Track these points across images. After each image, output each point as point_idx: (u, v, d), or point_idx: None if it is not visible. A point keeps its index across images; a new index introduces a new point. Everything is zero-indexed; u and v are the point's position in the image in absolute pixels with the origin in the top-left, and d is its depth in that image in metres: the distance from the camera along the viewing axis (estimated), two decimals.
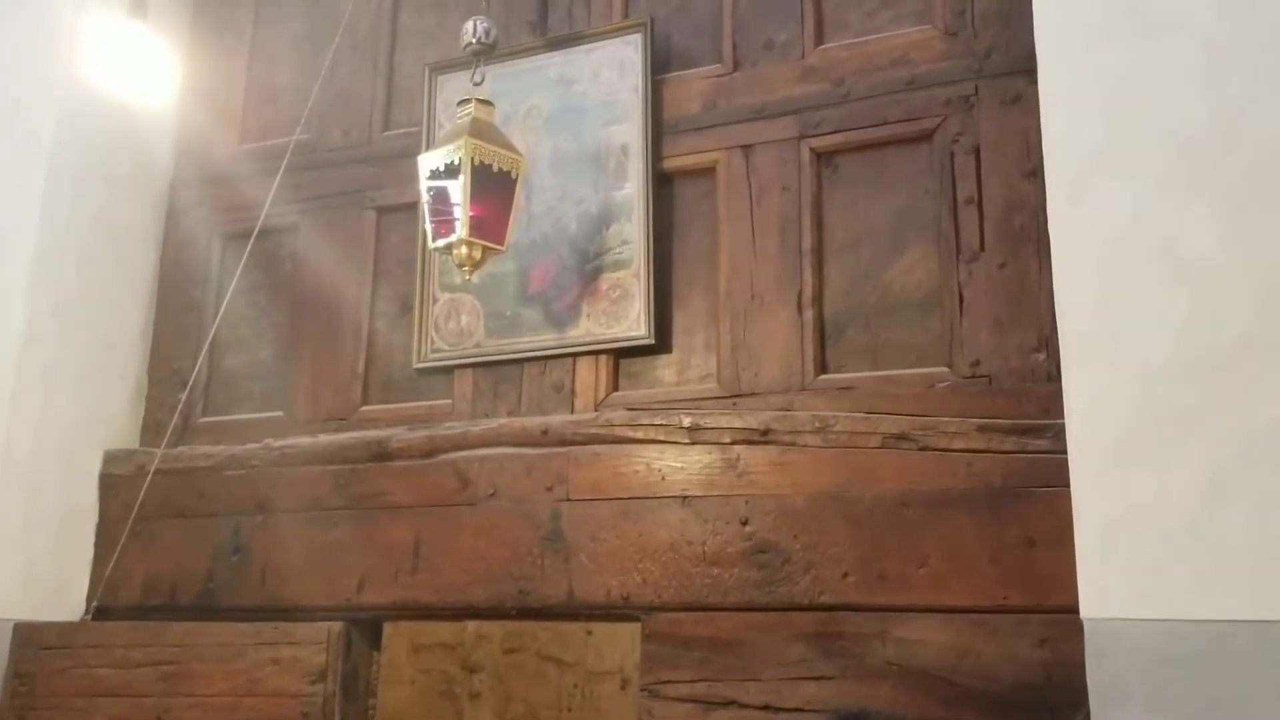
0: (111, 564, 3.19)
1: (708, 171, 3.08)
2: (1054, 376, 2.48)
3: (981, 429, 2.54)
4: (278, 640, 2.92)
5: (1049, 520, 2.39)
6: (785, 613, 2.64)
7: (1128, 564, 2.06)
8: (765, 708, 2.58)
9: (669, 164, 3.10)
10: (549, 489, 2.94)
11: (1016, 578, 2.43)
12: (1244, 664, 1.86)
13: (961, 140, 2.80)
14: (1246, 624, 1.89)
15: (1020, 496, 2.47)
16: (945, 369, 2.70)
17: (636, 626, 2.86)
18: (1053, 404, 2.41)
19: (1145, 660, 1.96)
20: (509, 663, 7.89)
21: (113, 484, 3.34)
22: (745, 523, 2.74)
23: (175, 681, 2.88)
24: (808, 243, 2.91)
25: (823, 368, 2.85)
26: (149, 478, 3.22)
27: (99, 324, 3.43)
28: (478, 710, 8.12)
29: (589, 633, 7.61)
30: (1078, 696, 2.22)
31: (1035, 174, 2.62)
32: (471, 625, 8.05)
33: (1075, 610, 2.21)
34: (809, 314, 2.86)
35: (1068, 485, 2.25)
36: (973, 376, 2.66)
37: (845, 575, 2.61)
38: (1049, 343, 2.54)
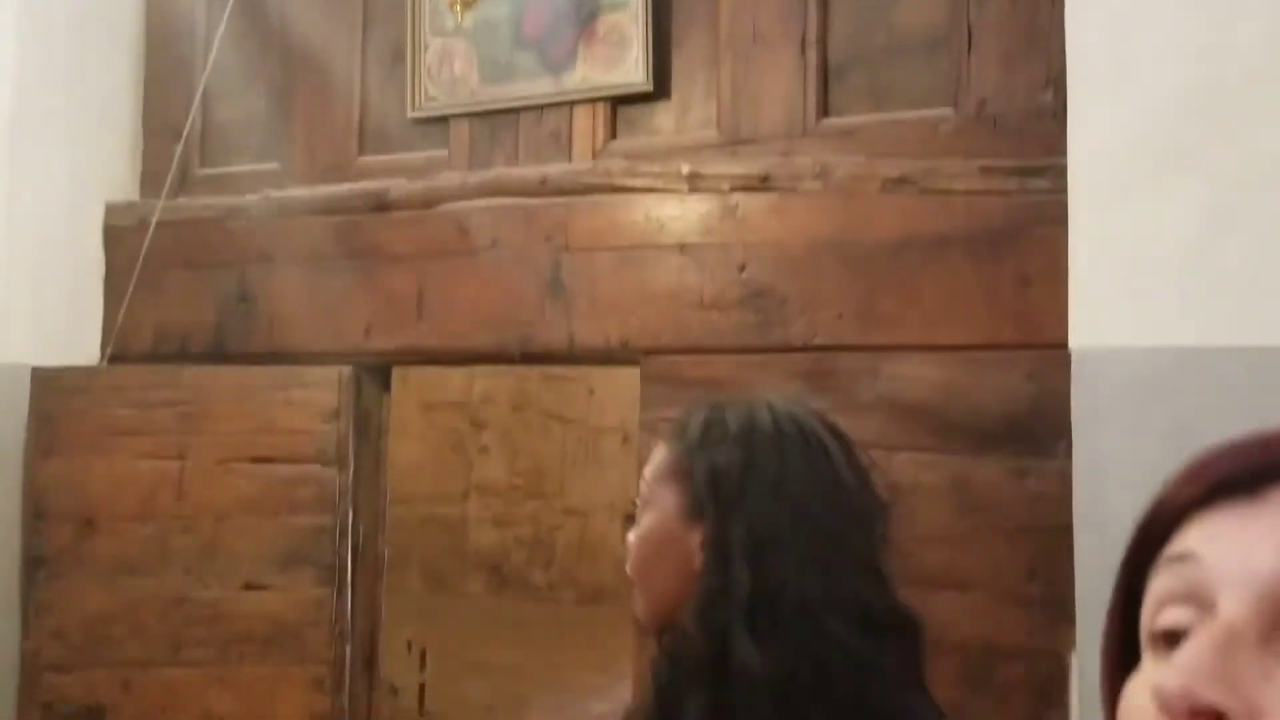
0: (121, 314, 3.25)
1: None
2: (1060, 115, 2.44)
3: (983, 170, 2.53)
4: (289, 383, 3.01)
5: (1045, 259, 2.41)
6: (780, 354, 2.70)
7: (1119, 292, 2.09)
8: None
9: None
10: (548, 238, 2.95)
11: (1009, 316, 2.47)
12: (1223, 388, 1.92)
13: None
14: (1231, 350, 1.94)
15: (1018, 237, 2.48)
16: (950, 110, 2.66)
17: (637, 384, 2.91)
18: (1056, 144, 2.38)
19: (1128, 387, 2.02)
20: (515, 420, 8.20)
21: (116, 236, 3.36)
22: (742, 269, 2.77)
23: (193, 421, 3.00)
24: None
25: (825, 111, 2.80)
26: (151, 229, 3.23)
27: (90, 82, 3.39)
28: (486, 463, 8.48)
29: (591, 392, 7.85)
30: (1061, 428, 2.32)
31: None
32: (478, 385, 8.30)
33: (1065, 346, 2.27)
34: (812, 55, 2.79)
35: (1066, 225, 2.26)
36: (978, 117, 2.62)
37: (840, 317, 2.66)
38: (1057, 81, 2.48)
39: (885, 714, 0.95)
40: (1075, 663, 2.28)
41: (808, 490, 1.02)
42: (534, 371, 7.80)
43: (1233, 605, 0.40)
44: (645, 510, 1.06)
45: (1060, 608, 2.32)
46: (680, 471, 1.05)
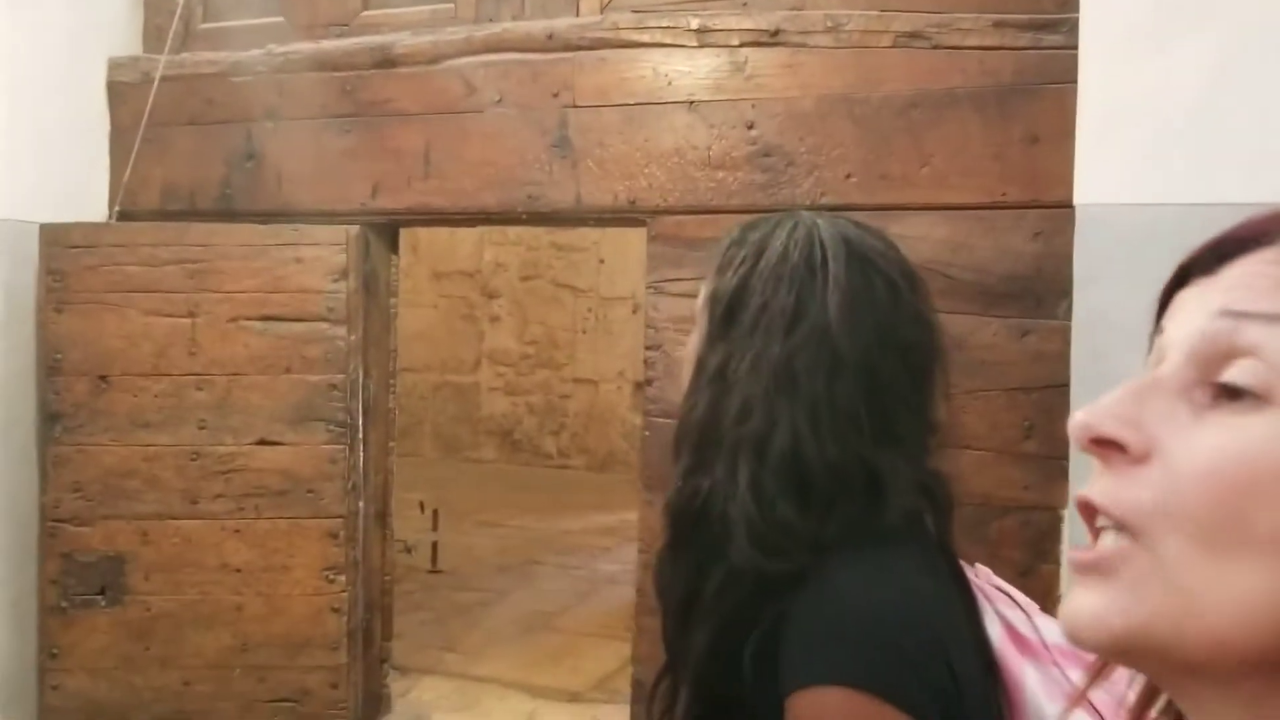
0: (128, 171, 3.24)
1: None
2: None
3: (996, 25, 2.47)
4: (298, 241, 3.01)
5: (1055, 117, 2.38)
6: None
7: (1126, 151, 2.07)
8: None
9: None
10: (555, 95, 2.91)
11: (1017, 174, 2.45)
12: None
13: None
14: (1235, 206, 1.91)
15: (1028, 94, 2.44)
16: None
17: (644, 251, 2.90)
18: None
19: (1130, 244, 2.02)
20: (526, 289, 8.23)
21: (120, 91, 3.33)
22: (751, 126, 2.74)
23: (203, 279, 3.01)
24: None
25: None
26: (155, 84, 3.19)
27: None
28: (497, 332, 8.55)
29: (602, 261, 7.84)
30: (1064, 287, 2.32)
31: None
32: (489, 254, 8.27)
33: (1071, 205, 2.26)
34: None
35: (1076, 82, 2.22)
36: None
37: (848, 176, 2.65)
38: None
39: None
40: (1068, 517, 2.33)
41: (786, 327, 0.91)
42: (544, 241, 7.79)
43: (1169, 362, 0.43)
44: (692, 330, 1.03)
45: (1056, 464, 2.37)
46: (705, 295, 1.01)
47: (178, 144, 3.25)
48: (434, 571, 5.24)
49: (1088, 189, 2.13)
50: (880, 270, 0.95)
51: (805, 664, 0.81)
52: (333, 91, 3.10)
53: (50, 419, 3.05)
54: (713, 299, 0.98)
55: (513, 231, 7.75)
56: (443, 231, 7.36)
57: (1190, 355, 0.42)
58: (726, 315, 0.95)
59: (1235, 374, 0.40)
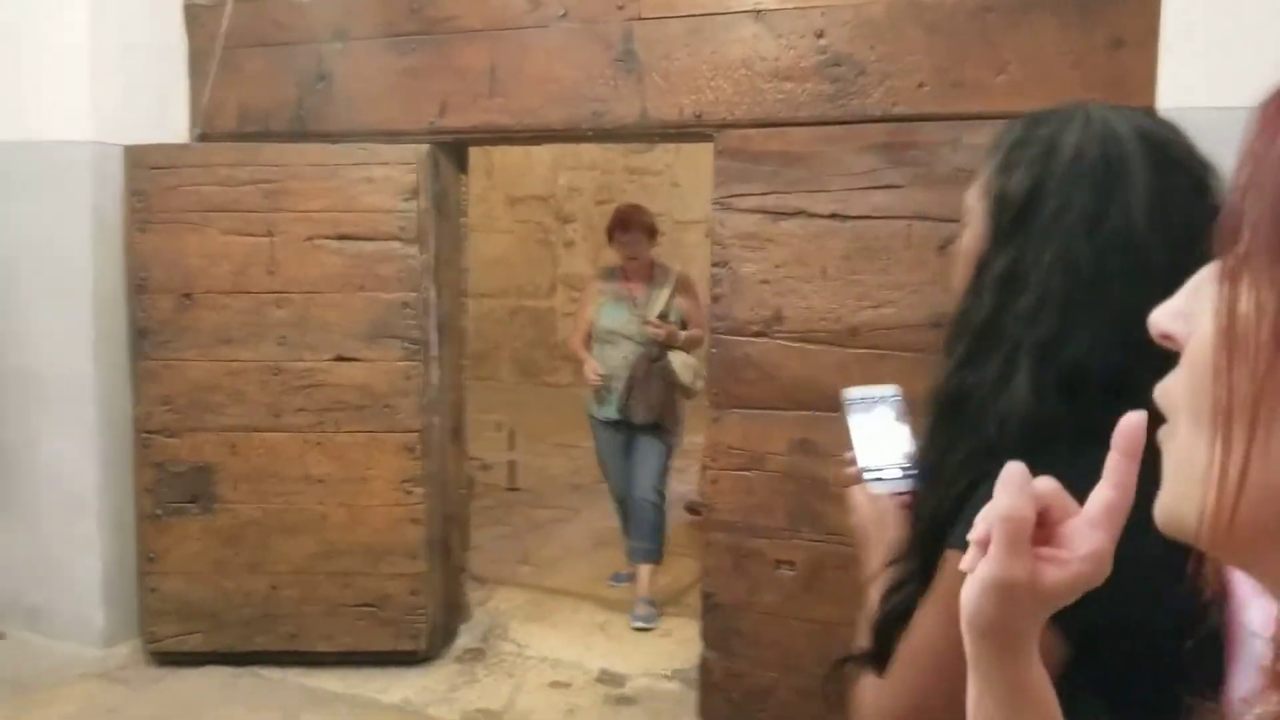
0: (207, 94, 3.30)
1: None
2: None
3: None
4: (368, 160, 3.05)
5: (1139, 21, 2.28)
6: (857, 125, 2.65)
7: (1210, 54, 1.98)
8: (832, 216, 2.67)
9: None
10: (620, 7, 2.87)
11: (1099, 81, 2.36)
12: None
13: None
14: None
15: None
16: None
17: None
18: None
19: (1213, 147, 1.94)
20: (600, 213, 8.17)
21: (196, 15, 3.37)
22: (820, 35, 2.68)
23: (278, 199, 3.08)
24: None
25: None
26: (229, 6, 3.23)
27: None
28: (573, 257, 8.57)
29: (675, 185, 7.75)
30: None
31: None
32: (563, 178, 8.25)
33: (1154, 110, 2.17)
34: None
35: None
36: None
37: (920, 85, 2.58)
38: None
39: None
40: None
41: (1088, 231, 0.88)
42: (618, 165, 7.75)
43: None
44: (963, 226, 1.00)
45: None
46: (987, 191, 0.97)
47: (250, 66, 3.30)
48: (511, 489, 5.36)
49: (1170, 94, 2.05)
50: (1182, 167, 0.89)
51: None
52: (399, 10, 3.11)
53: (139, 335, 3.17)
54: (1000, 199, 0.94)
55: (587, 155, 7.72)
56: (517, 155, 7.36)
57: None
58: (1017, 217, 0.92)
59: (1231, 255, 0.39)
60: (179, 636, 3.20)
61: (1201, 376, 0.39)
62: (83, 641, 3.28)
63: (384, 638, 3.17)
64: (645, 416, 3.68)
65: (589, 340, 3.82)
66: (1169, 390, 0.43)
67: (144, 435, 3.20)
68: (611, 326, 3.75)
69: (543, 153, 7.63)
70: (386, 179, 3.06)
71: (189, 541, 3.19)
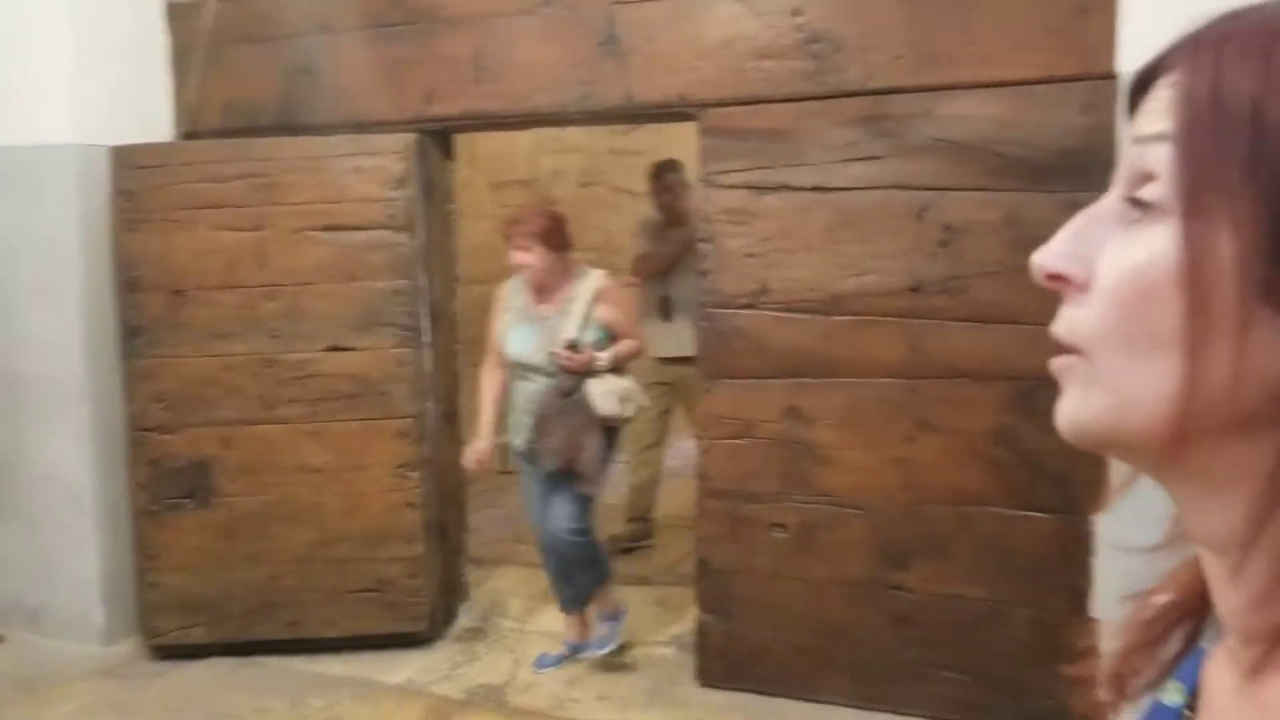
0: (191, 90, 3.32)
1: None
2: None
3: None
4: (357, 151, 3.09)
5: None
6: (836, 100, 2.70)
7: (1170, 17, 2.03)
8: (814, 189, 2.72)
9: None
10: None
11: (1066, 47, 2.42)
12: None
13: None
14: None
15: None
16: None
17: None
18: None
19: None
20: (585, 195, 8.19)
21: (178, 13, 3.39)
22: (798, 13, 2.72)
23: (268, 193, 3.10)
24: None
25: None
26: (211, 2, 3.25)
27: None
28: None
29: None
30: (1114, 158, 2.31)
31: None
32: (547, 162, 8.21)
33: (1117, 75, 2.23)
34: None
35: None
36: None
37: (896, 59, 2.63)
38: None
39: None
40: None
41: None
42: (602, 147, 7.75)
43: (1110, 192, 0.47)
44: None
45: None
46: None
47: (235, 62, 3.32)
48: (504, 472, 5.39)
49: (1132, 57, 2.10)
50: None
51: None
52: (382, 1, 3.13)
53: (131, 333, 3.19)
54: None
55: (570, 139, 7.73)
56: (499, 142, 7.35)
57: (1120, 182, 0.46)
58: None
59: (1143, 192, 0.43)
60: (180, 630, 3.24)
61: (1135, 306, 0.42)
62: (84, 640, 3.31)
63: (385, 621, 3.22)
64: (552, 463, 3.01)
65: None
66: (1076, 324, 0.45)
67: (139, 433, 3.22)
68: (519, 357, 3.07)
69: (524, 138, 7.63)
70: (375, 168, 3.09)
71: (187, 536, 3.22)
